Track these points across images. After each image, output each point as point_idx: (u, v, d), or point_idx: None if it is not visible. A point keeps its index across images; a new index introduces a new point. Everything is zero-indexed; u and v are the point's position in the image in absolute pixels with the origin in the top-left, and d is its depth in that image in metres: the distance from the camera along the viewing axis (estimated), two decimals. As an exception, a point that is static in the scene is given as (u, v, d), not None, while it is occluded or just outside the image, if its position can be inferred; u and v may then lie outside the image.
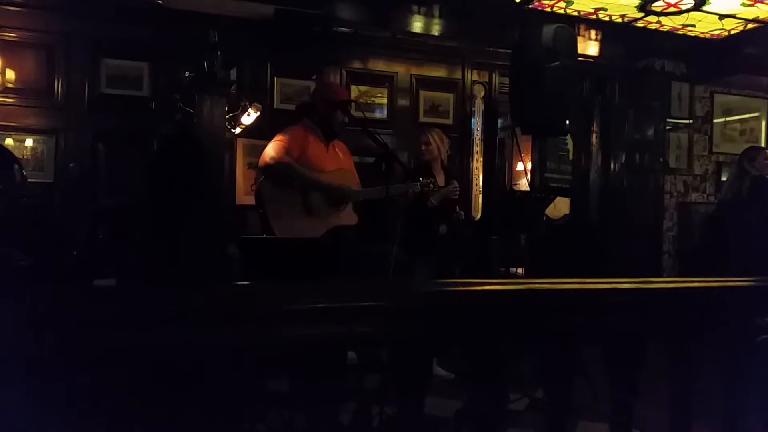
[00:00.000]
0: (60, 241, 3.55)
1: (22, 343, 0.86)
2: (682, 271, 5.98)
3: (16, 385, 0.86)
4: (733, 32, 5.23)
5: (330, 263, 2.71)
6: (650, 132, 5.82)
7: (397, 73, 5.19)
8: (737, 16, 4.87)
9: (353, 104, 3.38)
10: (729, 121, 6.38)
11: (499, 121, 5.77)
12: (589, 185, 5.79)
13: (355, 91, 4.88)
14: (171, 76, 4.25)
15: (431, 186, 3.44)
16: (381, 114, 5.13)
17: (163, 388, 0.99)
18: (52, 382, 0.90)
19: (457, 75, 5.36)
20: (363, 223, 3.31)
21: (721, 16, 4.89)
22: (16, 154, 3.72)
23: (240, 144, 4.62)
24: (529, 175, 4.45)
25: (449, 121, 5.30)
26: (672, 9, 4.76)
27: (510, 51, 4.17)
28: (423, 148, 3.92)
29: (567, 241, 5.44)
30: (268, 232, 2.99)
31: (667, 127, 5.94)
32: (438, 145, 3.90)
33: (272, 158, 3.00)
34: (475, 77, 5.44)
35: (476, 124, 5.39)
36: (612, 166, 5.77)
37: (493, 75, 5.48)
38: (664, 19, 5.01)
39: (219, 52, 3.55)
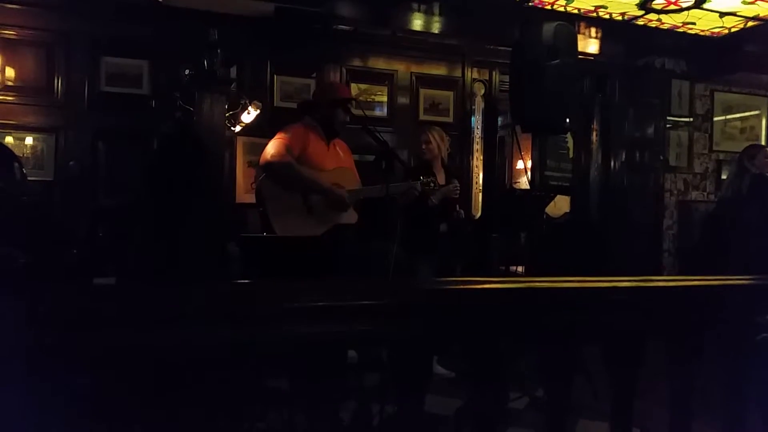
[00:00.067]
0: (60, 240, 3.55)
1: (22, 342, 0.86)
2: (682, 270, 5.99)
3: (16, 385, 0.86)
4: (733, 30, 5.22)
5: (330, 262, 2.71)
6: (650, 130, 5.81)
7: (397, 71, 5.19)
8: (738, 13, 4.87)
9: (353, 102, 3.38)
10: (729, 119, 6.38)
11: (499, 119, 5.77)
12: (589, 183, 5.79)
13: (355, 89, 4.88)
14: (171, 74, 4.25)
15: (432, 185, 3.44)
16: (381, 112, 5.13)
17: (163, 388, 0.99)
18: (52, 382, 0.90)
19: (457, 73, 5.36)
20: (363, 222, 3.31)
21: (722, 14, 4.89)
22: (16, 152, 3.71)
23: (240, 142, 4.61)
24: (529, 173, 4.44)
25: (449, 119, 5.30)
26: (672, 7, 4.75)
27: (510, 49, 4.16)
28: (423, 146, 3.92)
29: (567, 240, 5.44)
30: (268, 230, 2.99)
31: (668, 125, 5.94)
32: (438, 144, 3.90)
33: (273, 156, 2.99)
34: (475, 75, 5.43)
35: (476, 122, 5.38)
36: (612, 164, 5.77)
37: (494, 73, 5.48)
38: (664, 17, 5.00)
39: (219, 50, 3.54)
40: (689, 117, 6.09)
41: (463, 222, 3.98)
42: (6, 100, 4.16)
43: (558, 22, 3.91)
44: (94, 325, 0.92)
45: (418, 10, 4.80)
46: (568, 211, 5.87)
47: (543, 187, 5.17)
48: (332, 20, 4.68)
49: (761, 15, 4.86)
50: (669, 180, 6.03)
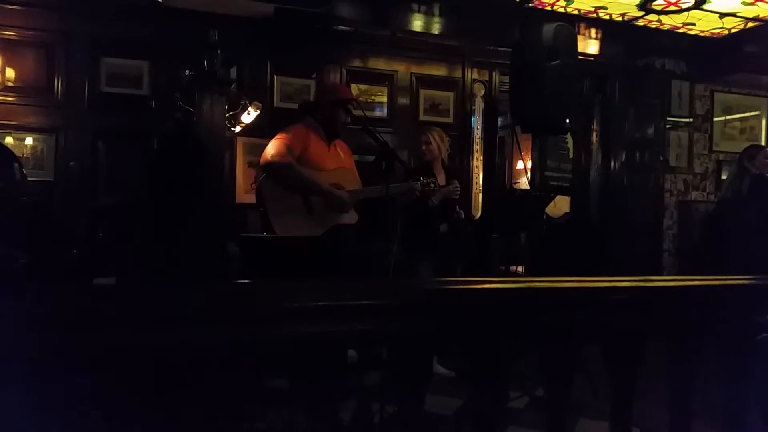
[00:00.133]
0: (60, 240, 3.55)
1: (22, 343, 0.86)
2: (682, 270, 5.99)
3: (16, 385, 0.86)
4: (733, 31, 5.22)
5: (330, 262, 2.71)
6: (650, 130, 5.81)
7: (397, 71, 5.19)
8: (737, 14, 4.87)
9: (355, 103, 3.38)
10: (729, 119, 6.38)
11: (499, 119, 5.77)
12: (589, 184, 5.79)
13: (355, 89, 4.88)
14: (171, 74, 4.25)
15: (432, 186, 3.44)
16: (381, 112, 5.13)
17: (163, 388, 0.98)
18: (52, 382, 0.90)
19: (458, 73, 5.36)
20: (363, 222, 3.31)
21: (722, 15, 4.89)
22: (16, 152, 3.72)
23: (240, 142, 4.61)
24: (529, 173, 4.44)
25: (449, 119, 5.30)
26: (672, 7, 4.75)
27: (510, 49, 4.16)
28: (423, 147, 3.92)
29: (567, 240, 5.44)
30: (268, 230, 2.99)
31: (668, 126, 5.94)
32: (438, 145, 3.90)
33: (273, 156, 2.99)
34: (476, 76, 5.43)
35: (476, 122, 5.38)
36: (612, 164, 5.77)
37: (494, 73, 5.48)
38: (664, 18, 5.01)
39: (219, 51, 3.54)
40: (689, 117, 6.09)
41: (463, 222, 3.98)
42: (6, 100, 4.16)
43: (558, 23, 3.91)
44: (94, 325, 0.92)
45: (418, 11, 4.80)
46: (568, 211, 5.87)
47: (543, 188, 5.17)
48: (332, 21, 4.69)
49: (761, 16, 4.86)
50: (669, 180, 6.03)
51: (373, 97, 5.10)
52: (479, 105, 5.42)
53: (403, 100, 5.20)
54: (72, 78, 4.31)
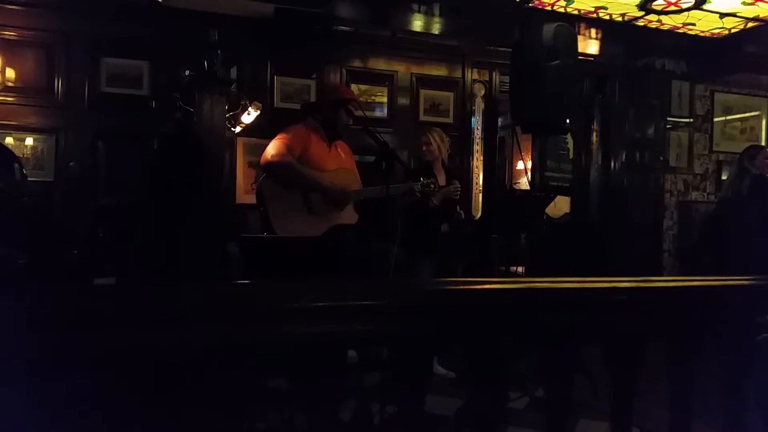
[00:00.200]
0: (60, 240, 3.55)
1: (22, 343, 0.86)
2: (682, 270, 5.98)
3: (16, 385, 0.86)
4: (733, 31, 5.22)
5: (330, 262, 2.71)
6: (650, 131, 5.81)
7: (397, 71, 5.19)
8: (738, 14, 4.87)
9: (356, 103, 3.38)
10: (729, 119, 6.38)
11: (500, 119, 5.77)
12: (589, 184, 5.79)
13: (355, 89, 4.88)
14: (171, 74, 4.25)
15: (432, 186, 3.44)
16: (381, 113, 5.13)
17: (163, 388, 0.98)
18: (52, 383, 0.90)
19: (458, 74, 5.36)
20: (363, 222, 3.31)
21: (722, 15, 4.89)
22: (16, 152, 3.72)
23: (240, 143, 4.62)
24: (529, 173, 4.45)
25: (449, 119, 5.30)
26: (672, 8, 4.75)
27: (510, 50, 4.16)
28: (424, 148, 3.92)
29: (567, 240, 5.44)
30: (268, 230, 2.99)
31: (668, 126, 5.94)
32: (439, 145, 3.90)
33: (274, 156, 2.99)
34: (476, 76, 5.43)
35: (476, 122, 5.39)
36: (612, 164, 5.77)
37: (494, 74, 5.48)
38: (664, 18, 5.00)
39: (219, 51, 3.54)
40: (689, 118, 6.09)
41: (463, 223, 3.98)
42: (6, 100, 4.16)
43: (558, 23, 3.91)
44: (95, 325, 0.92)
45: (418, 11, 4.80)
46: (568, 211, 5.88)
47: (543, 188, 5.18)
48: (332, 21, 4.69)
49: (761, 16, 4.86)
50: (669, 180, 6.03)
51: (373, 98, 5.10)
52: (479, 105, 5.42)
53: (403, 101, 5.20)
54: (72, 78, 4.31)
